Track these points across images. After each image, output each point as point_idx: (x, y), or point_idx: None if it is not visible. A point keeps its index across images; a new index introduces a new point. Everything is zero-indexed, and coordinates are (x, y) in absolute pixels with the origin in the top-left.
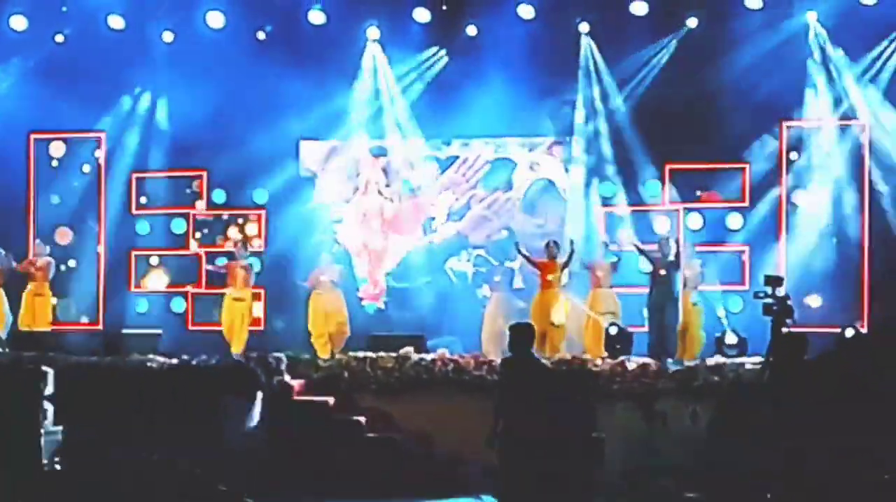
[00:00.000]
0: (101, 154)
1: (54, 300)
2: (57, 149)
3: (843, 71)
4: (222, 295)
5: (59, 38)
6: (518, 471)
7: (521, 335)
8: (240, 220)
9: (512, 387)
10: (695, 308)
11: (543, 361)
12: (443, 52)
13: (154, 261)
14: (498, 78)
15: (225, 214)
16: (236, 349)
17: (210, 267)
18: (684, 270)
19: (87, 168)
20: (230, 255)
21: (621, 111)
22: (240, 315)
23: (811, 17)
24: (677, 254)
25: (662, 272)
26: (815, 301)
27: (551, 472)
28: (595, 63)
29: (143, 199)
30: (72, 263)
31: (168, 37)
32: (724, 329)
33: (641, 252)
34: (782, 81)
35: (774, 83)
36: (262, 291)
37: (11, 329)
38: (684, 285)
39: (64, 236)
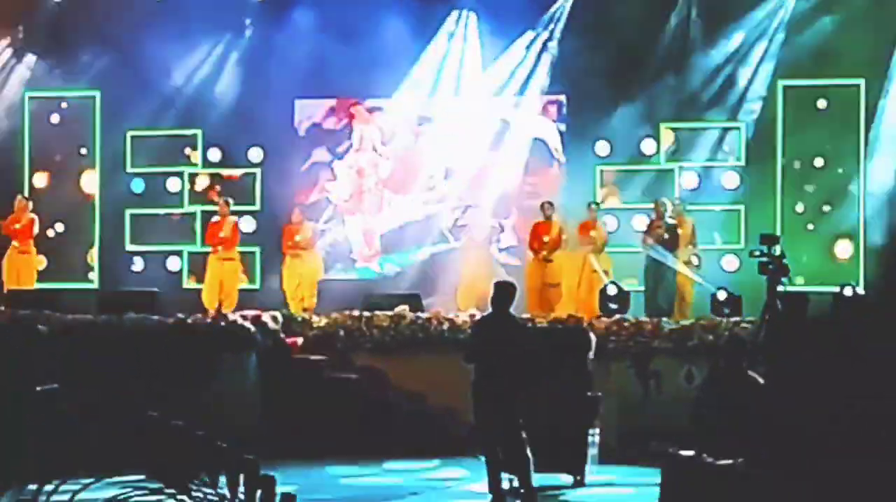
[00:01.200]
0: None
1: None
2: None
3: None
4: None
5: None
6: (497, 431)
7: (501, 292)
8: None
9: (484, 345)
10: (689, 266)
11: (520, 319)
12: (440, 7)
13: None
14: (491, 35)
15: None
16: (227, 309)
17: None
18: (678, 229)
19: (55, 118)
20: (214, 214)
21: (616, 69)
22: (230, 275)
23: None
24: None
25: (659, 231)
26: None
27: (539, 429)
28: (588, 19)
29: (138, 158)
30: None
31: None
32: (717, 288)
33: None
34: (779, 40)
35: (772, 42)
36: (257, 250)
37: (10, 288)
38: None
39: (40, 179)
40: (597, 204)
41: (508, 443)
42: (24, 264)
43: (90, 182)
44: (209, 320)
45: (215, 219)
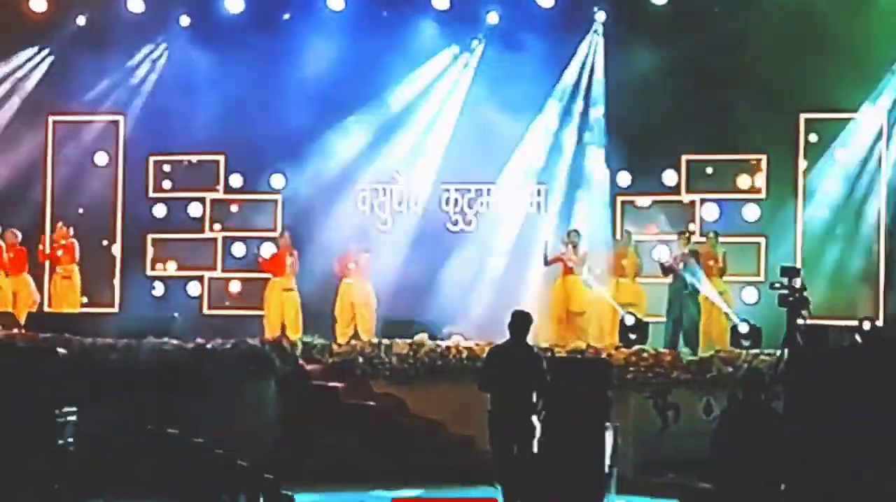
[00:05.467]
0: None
1: None
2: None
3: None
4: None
5: (81, 21)
6: (512, 459)
7: (518, 321)
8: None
9: (500, 373)
10: (721, 296)
11: (536, 349)
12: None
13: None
14: (512, 66)
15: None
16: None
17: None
18: (708, 261)
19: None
20: (271, 242)
21: (637, 101)
22: (292, 305)
23: None
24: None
25: (681, 265)
26: None
27: (557, 459)
28: (609, 52)
29: (163, 183)
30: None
31: (185, 21)
32: (740, 319)
33: (663, 269)
34: (802, 72)
35: (794, 73)
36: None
37: (31, 311)
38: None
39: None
40: (628, 233)
41: (523, 472)
42: (69, 289)
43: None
44: (228, 346)
45: (274, 251)
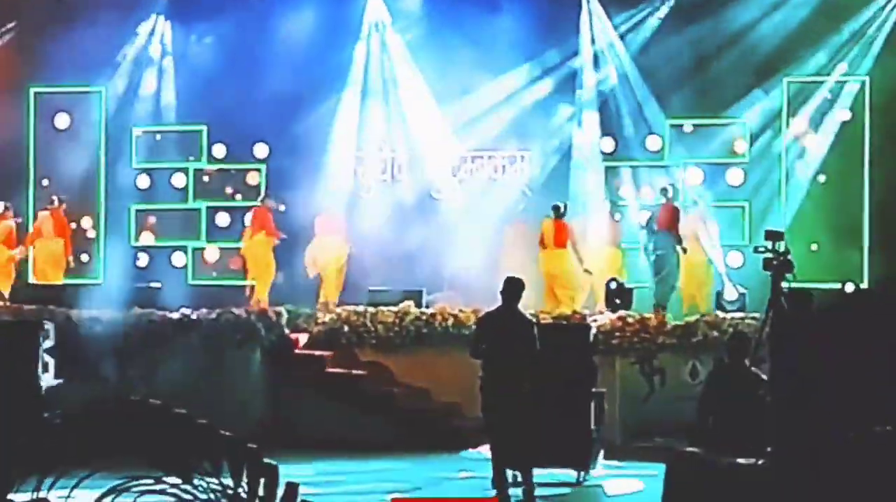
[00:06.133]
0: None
1: None
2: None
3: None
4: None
5: None
6: (504, 425)
7: (511, 287)
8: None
9: (493, 339)
10: (705, 263)
11: (528, 315)
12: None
13: (151, 219)
14: (494, 29)
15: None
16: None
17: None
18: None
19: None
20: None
21: (622, 66)
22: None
23: None
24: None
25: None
26: None
27: (544, 425)
28: (597, 17)
29: (143, 154)
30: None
31: None
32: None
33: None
34: (785, 36)
35: (777, 38)
36: None
37: (15, 282)
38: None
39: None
40: (612, 202)
41: (513, 438)
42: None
43: None
44: (214, 316)
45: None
